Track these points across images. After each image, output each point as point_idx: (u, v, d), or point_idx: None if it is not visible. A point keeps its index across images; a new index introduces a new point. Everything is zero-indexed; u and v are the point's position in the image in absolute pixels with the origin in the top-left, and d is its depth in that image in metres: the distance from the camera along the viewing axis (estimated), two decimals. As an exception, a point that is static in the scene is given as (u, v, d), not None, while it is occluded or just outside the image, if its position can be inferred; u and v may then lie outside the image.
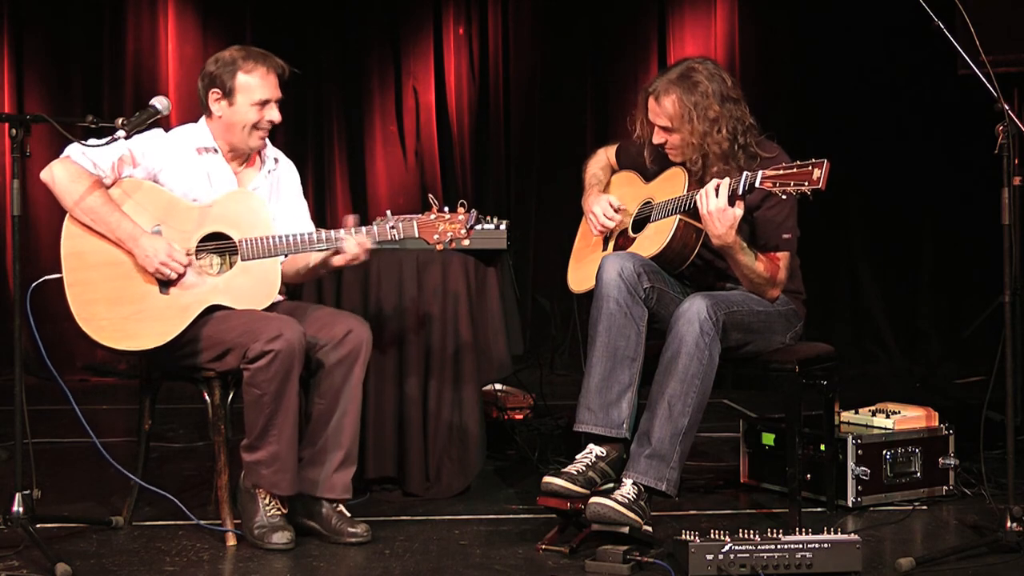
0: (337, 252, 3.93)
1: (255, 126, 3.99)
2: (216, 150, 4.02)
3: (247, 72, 3.96)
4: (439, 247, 3.93)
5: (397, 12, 7.98)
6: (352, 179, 7.94)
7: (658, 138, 4.05)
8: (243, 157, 4.08)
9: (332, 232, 3.91)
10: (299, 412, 3.87)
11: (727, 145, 3.95)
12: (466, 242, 3.94)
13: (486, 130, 8.03)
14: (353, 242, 3.89)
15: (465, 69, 8.00)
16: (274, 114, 4.01)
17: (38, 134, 3.73)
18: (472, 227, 3.93)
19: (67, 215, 3.87)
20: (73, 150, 3.87)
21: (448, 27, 7.98)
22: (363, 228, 3.91)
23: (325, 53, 7.91)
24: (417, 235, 3.92)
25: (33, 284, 3.76)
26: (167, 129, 4.08)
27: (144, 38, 7.78)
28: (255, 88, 3.96)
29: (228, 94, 3.97)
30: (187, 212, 3.91)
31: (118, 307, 3.81)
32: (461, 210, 3.93)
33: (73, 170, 3.84)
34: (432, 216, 3.92)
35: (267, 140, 4.13)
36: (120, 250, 3.84)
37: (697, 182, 3.97)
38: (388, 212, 3.95)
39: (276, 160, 4.16)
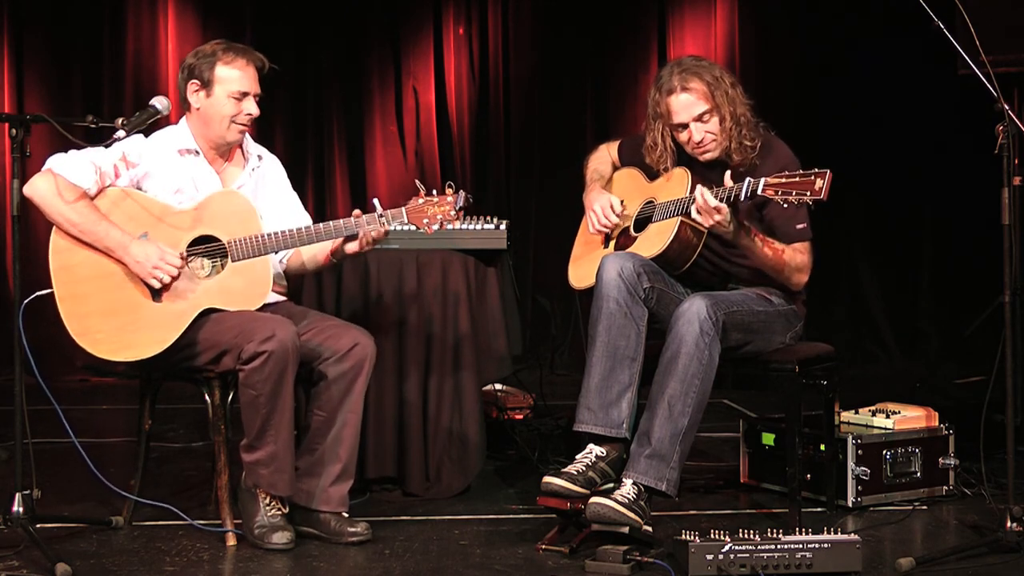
0: (348, 240, 3.91)
1: (233, 119, 3.97)
2: (197, 151, 4.00)
3: (226, 64, 3.94)
4: (430, 231, 3.89)
5: (397, 12, 7.98)
6: (352, 179, 7.94)
7: (698, 133, 4.01)
8: (225, 156, 4.06)
9: (322, 225, 3.89)
10: (296, 411, 3.86)
11: (757, 130, 4.02)
12: (457, 223, 3.91)
13: (486, 130, 8.03)
14: (359, 231, 3.87)
15: (465, 69, 8.00)
16: (252, 107, 3.98)
17: (38, 134, 3.73)
18: (461, 208, 3.89)
19: (53, 229, 3.85)
20: (55, 163, 3.84)
21: (448, 27, 7.98)
22: (352, 219, 3.89)
23: (325, 53, 7.91)
24: (407, 221, 3.88)
25: (24, 300, 3.73)
26: (165, 127, 4.07)
27: (144, 38, 7.78)
28: (233, 80, 3.94)
29: (206, 85, 3.95)
30: (174, 217, 3.89)
31: (112, 318, 3.80)
32: (449, 191, 3.90)
33: (56, 183, 3.80)
34: (420, 201, 3.88)
35: (249, 137, 4.11)
36: (110, 260, 3.82)
37: (696, 180, 3.96)
38: (375, 201, 3.92)
39: (260, 157, 4.14)
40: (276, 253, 3.95)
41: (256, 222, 3.89)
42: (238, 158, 4.10)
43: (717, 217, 3.73)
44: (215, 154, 4.03)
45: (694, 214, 3.78)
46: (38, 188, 3.81)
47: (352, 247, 3.92)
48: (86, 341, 3.79)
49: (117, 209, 3.86)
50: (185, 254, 3.85)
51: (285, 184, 4.20)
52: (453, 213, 3.87)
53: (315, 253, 4.04)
